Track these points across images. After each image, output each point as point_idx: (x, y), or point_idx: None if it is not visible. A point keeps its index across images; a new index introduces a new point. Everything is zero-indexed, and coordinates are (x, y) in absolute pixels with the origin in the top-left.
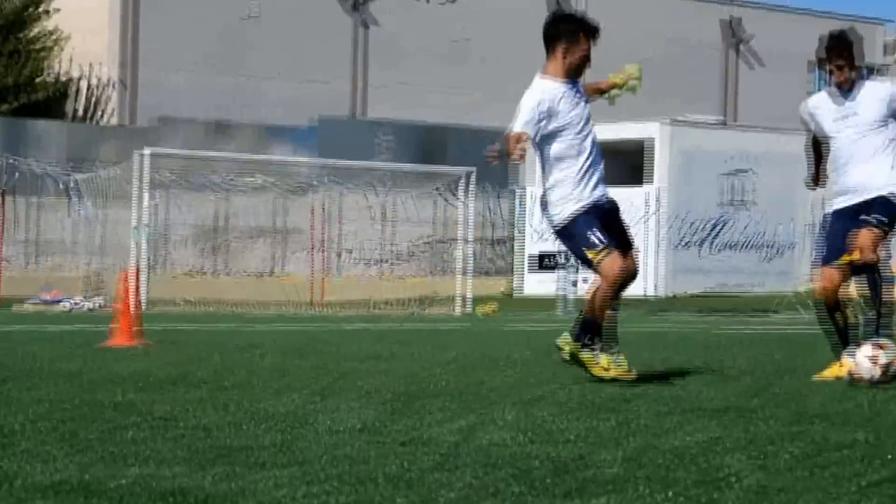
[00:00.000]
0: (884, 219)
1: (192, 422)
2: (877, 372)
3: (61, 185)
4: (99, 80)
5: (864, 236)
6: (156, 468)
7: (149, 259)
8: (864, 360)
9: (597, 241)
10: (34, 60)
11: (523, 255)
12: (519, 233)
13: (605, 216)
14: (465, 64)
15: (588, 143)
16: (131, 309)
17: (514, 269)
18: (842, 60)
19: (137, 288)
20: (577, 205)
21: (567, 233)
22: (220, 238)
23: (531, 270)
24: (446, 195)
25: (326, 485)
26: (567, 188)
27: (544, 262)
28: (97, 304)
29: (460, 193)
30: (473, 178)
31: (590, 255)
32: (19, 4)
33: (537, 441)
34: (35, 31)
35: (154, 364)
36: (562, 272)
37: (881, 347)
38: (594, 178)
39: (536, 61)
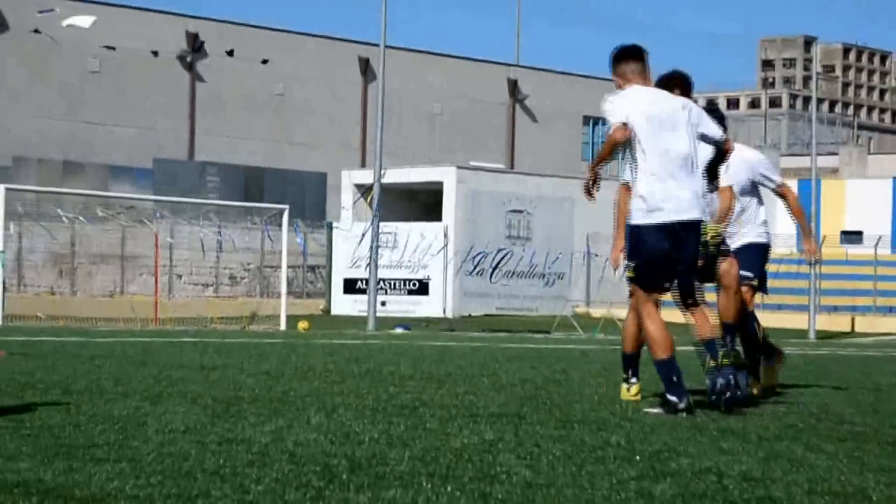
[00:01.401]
0: None
1: (39, 422)
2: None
3: None
4: None
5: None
6: (4, 463)
7: (4, 280)
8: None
9: None
10: None
11: (334, 280)
12: (328, 260)
13: None
14: (280, 115)
15: None
16: None
17: (328, 292)
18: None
19: None
20: None
21: None
22: (72, 263)
23: (344, 292)
24: (268, 228)
25: (153, 478)
26: None
27: (356, 286)
28: None
29: (284, 225)
30: (286, 214)
31: None
32: None
33: (337, 442)
34: None
35: (8, 371)
36: (369, 295)
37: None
38: None
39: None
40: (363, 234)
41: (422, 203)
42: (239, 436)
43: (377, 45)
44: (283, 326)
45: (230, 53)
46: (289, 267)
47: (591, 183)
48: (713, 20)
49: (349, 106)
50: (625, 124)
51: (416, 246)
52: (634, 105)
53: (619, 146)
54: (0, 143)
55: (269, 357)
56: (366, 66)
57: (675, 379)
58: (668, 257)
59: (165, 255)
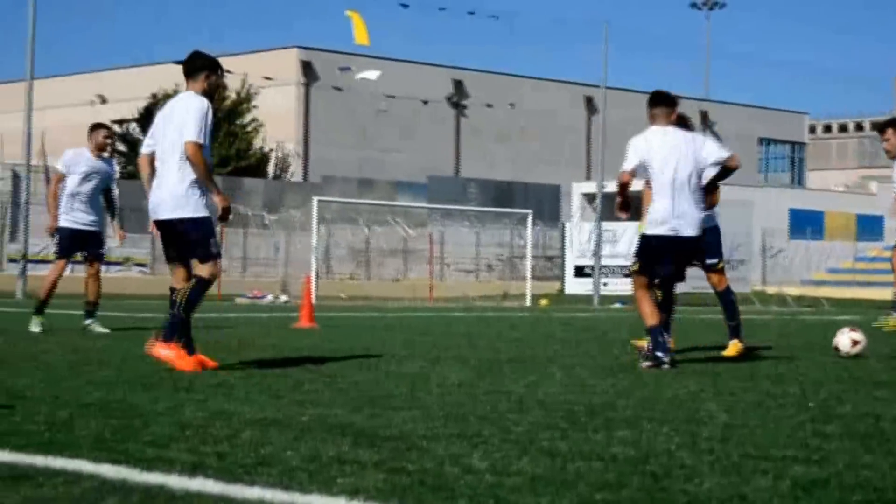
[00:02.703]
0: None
1: (348, 379)
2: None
3: (264, 221)
4: (285, 151)
5: None
6: (325, 410)
7: (319, 269)
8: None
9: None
10: (243, 139)
11: (567, 267)
12: (562, 251)
13: None
14: (523, 141)
15: None
16: (310, 302)
17: (562, 276)
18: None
19: (309, 289)
20: None
21: None
22: (367, 255)
23: (575, 276)
24: (516, 228)
25: (437, 422)
26: None
27: (583, 271)
28: (286, 299)
29: (528, 226)
30: (530, 217)
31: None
32: (232, 103)
33: (577, 392)
34: (245, 119)
35: (323, 340)
36: (594, 278)
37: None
38: None
39: (571, 139)
40: (589, 231)
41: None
42: (500, 388)
43: (598, 87)
44: (528, 303)
45: (489, 105)
46: (532, 257)
47: (621, 204)
48: None
49: (576, 133)
50: (631, 171)
51: (630, 240)
52: (648, 145)
53: (628, 185)
54: (313, 166)
55: (518, 327)
56: (589, 103)
57: (660, 339)
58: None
59: (437, 249)
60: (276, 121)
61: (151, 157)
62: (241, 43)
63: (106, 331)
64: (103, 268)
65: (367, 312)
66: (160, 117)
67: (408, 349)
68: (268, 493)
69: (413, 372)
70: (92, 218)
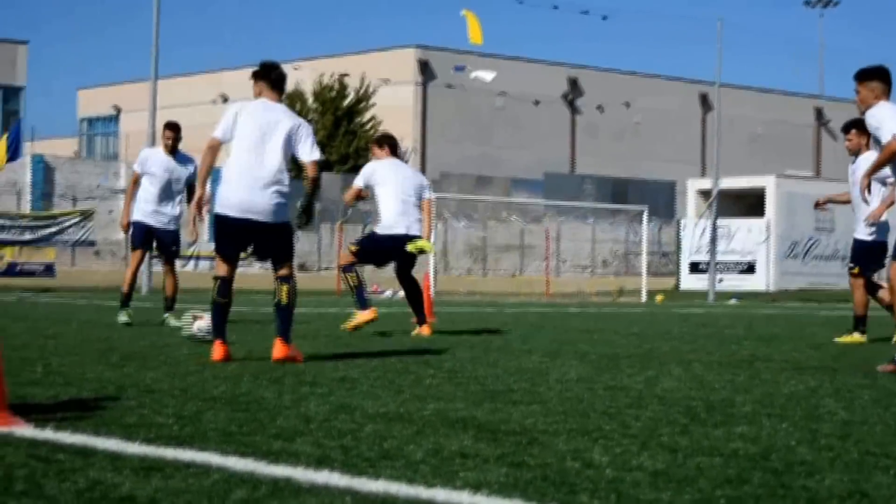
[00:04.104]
0: None
1: (468, 373)
2: None
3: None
4: (402, 149)
5: None
6: (447, 404)
7: (436, 265)
8: None
9: None
10: (362, 137)
11: (682, 263)
12: (677, 248)
13: None
14: (638, 139)
15: None
16: (428, 298)
17: (678, 272)
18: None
19: (427, 285)
20: None
21: None
22: (484, 251)
23: (690, 272)
24: (630, 224)
25: (557, 416)
26: None
27: (698, 267)
28: (403, 295)
29: (644, 223)
30: (645, 214)
31: None
32: (350, 102)
33: (695, 388)
34: (363, 118)
35: (443, 335)
36: (709, 274)
37: None
38: None
39: (687, 136)
40: (704, 228)
41: (747, 204)
42: (619, 384)
43: (713, 84)
44: (643, 299)
45: (599, 109)
46: (647, 253)
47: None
48: None
49: (691, 130)
50: None
51: (745, 236)
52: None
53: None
54: (431, 163)
55: (635, 322)
56: (704, 100)
57: None
58: None
59: (553, 245)
60: (393, 119)
61: (217, 147)
62: (359, 42)
63: (180, 324)
64: (204, 263)
65: (484, 308)
66: (249, 112)
67: (526, 344)
68: (392, 487)
69: (532, 367)
70: (164, 216)
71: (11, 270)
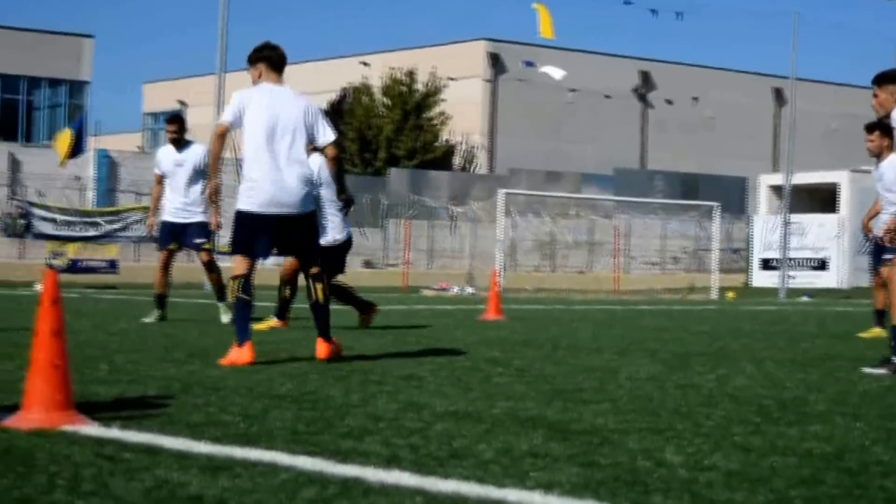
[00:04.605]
0: None
1: (536, 372)
2: None
3: (448, 214)
4: (471, 144)
5: None
6: (516, 403)
7: (504, 262)
8: None
9: None
10: (429, 132)
11: (753, 259)
12: (748, 244)
13: None
14: (710, 133)
15: None
16: (497, 294)
17: (748, 269)
18: None
19: (496, 282)
20: None
21: None
22: (552, 248)
23: (761, 269)
24: (701, 220)
25: (628, 415)
26: None
27: (769, 264)
28: (472, 291)
29: (715, 219)
30: (717, 210)
31: None
32: (419, 96)
33: (767, 386)
34: (431, 112)
35: (511, 332)
36: (781, 270)
37: None
38: None
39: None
40: (775, 224)
41: (820, 199)
42: (690, 382)
43: (787, 78)
44: (714, 296)
45: (669, 102)
46: (718, 249)
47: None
48: None
49: (764, 125)
50: None
51: (817, 233)
52: None
53: None
54: (500, 158)
55: (705, 320)
56: (778, 94)
57: None
58: None
59: (623, 242)
60: (462, 113)
61: (225, 133)
62: (428, 36)
63: (227, 319)
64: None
65: (553, 305)
66: (256, 101)
67: (595, 342)
68: (463, 487)
69: (602, 365)
70: (183, 211)
71: (74, 267)
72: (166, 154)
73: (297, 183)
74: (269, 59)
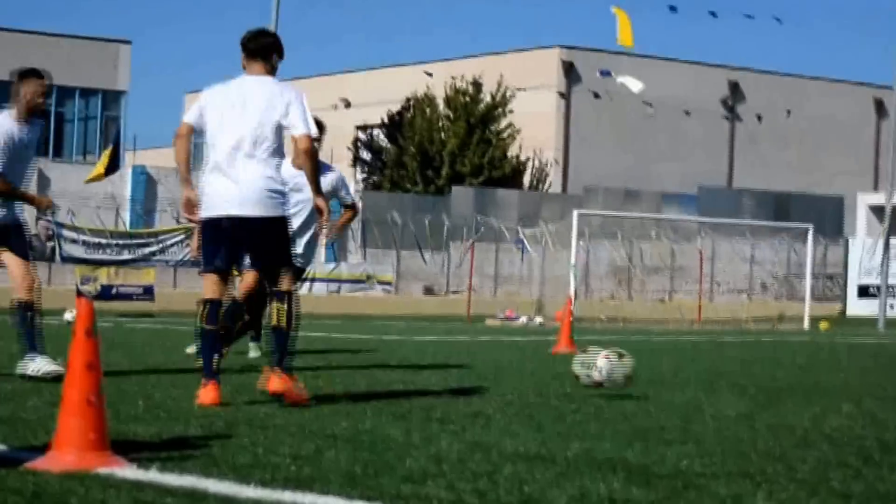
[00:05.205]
0: None
1: (616, 409)
2: None
3: (516, 236)
4: (543, 160)
5: None
6: (592, 443)
7: (576, 289)
8: None
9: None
10: (497, 146)
11: (849, 286)
12: (844, 269)
13: None
14: (804, 148)
15: None
16: (570, 324)
17: (844, 296)
18: None
19: (570, 311)
20: None
21: None
22: (629, 273)
23: (858, 297)
24: (793, 243)
25: (716, 458)
26: None
27: (868, 291)
28: (541, 321)
29: (808, 242)
30: (811, 232)
31: None
32: (486, 108)
33: (867, 426)
34: (500, 125)
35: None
36: (880, 299)
37: None
38: None
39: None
40: (875, 247)
41: None
42: (782, 421)
43: (890, 88)
44: (806, 326)
45: (758, 117)
46: (811, 275)
47: None
48: None
49: (863, 139)
50: None
51: None
52: None
53: None
54: (573, 176)
55: (798, 352)
56: (879, 106)
57: None
58: None
59: (707, 267)
60: (533, 126)
61: (185, 135)
62: (497, 42)
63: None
64: (345, 286)
65: (630, 335)
66: (221, 95)
67: (678, 376)
68: None
69: (685, 401)
70: None
71: (107, 293)
72: None
73: (256, 180)
74: (244, 48)
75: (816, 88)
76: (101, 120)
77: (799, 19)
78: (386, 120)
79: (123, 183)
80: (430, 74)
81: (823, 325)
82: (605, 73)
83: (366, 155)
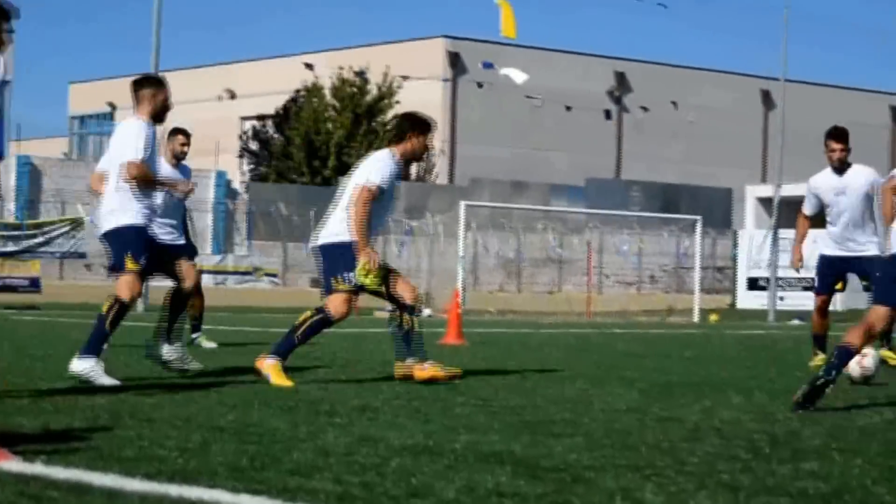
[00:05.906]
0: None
1: (502, 402)
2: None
3: (403, 228)
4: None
5: None
6: (480, 436)
7: (464, 280)
8: None
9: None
10: (384, 137)
11: (738, 279)
12: (733, 262)
13: None
14: (691, 141)
15: None
16: (458, 317)
17: (734, 289)
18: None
19: (457, 303)
20: None
21: None
22: (517, 265)
23: (747, 289)
24: (680, 236)
25: (605, 451)
26: None
27: (757, 284)
28: (430, 313)
29: (697, 234)
30: (699, 224)
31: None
32: (372, 99)
33: (757, 419)
34: (386, 116)
35: (473, 358)
36: (769, 291)
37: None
38: None
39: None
40: (763, 240)
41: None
42: (672, 414)
43: (778, 80)
44: (696, 318)
45: (644, 108)
46: (700, 268)
47: None
48: None
49: (751, 131)
50: None
51: (810, 249)
52: None
53: None
54: (460, 167)
55: (688, 345)
56: (766, 97)
57: None
58: None
59: (596, 259)
60: None
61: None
62: (381, 32)
63: (213, 345)
64: (231, 278)
65: (519, 328)
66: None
67: (567, 369)
68: None
69: (574, 395)
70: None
71: None
72: (162, 168)
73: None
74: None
75: (703, 80)
76: None
77: (684, 11)
78: (272, 111)
79: (8, 173)
80: (310, 66)
81: (713, 318)
82: (488, 66)
83: (253, 146)
